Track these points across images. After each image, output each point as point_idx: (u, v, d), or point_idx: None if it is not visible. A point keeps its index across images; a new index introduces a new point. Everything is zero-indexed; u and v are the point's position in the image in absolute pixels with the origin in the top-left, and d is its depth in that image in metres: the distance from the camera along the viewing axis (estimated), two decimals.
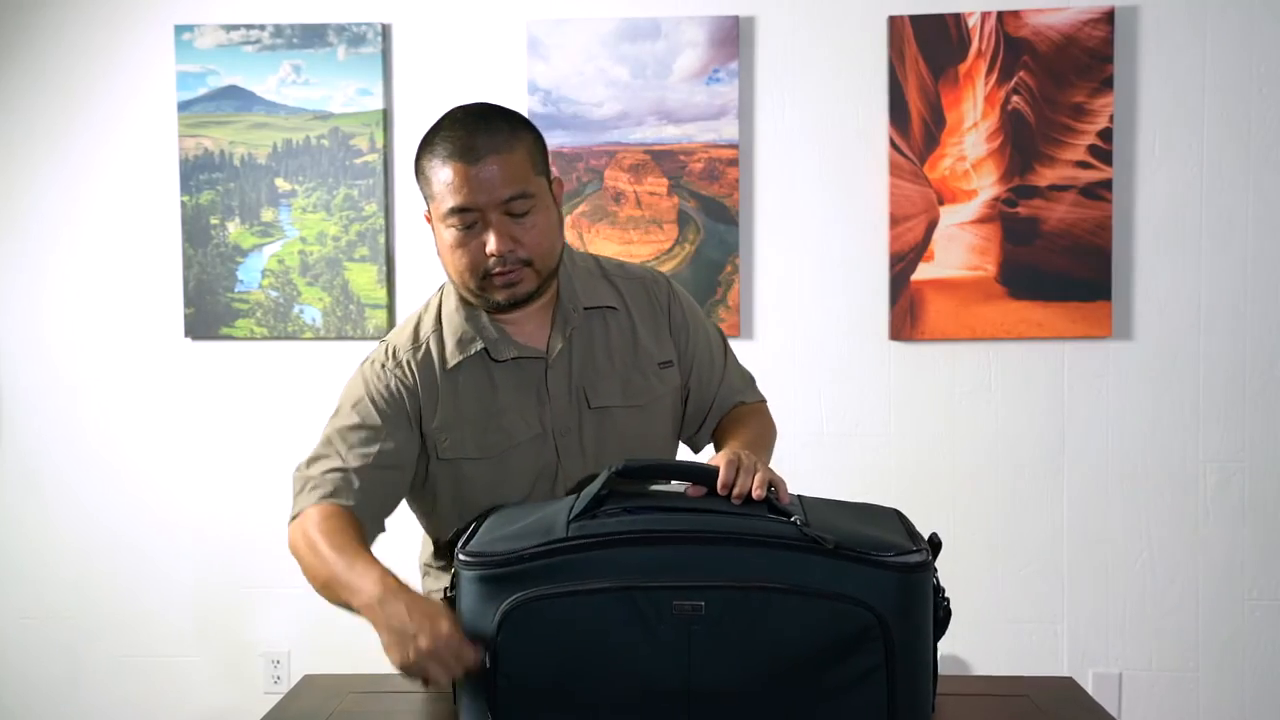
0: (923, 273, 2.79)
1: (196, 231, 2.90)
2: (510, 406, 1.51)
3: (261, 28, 2.86)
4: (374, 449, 1.48)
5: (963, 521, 2.81)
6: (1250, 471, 2.78)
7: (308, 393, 2.92)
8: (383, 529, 1.53)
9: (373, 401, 1.51)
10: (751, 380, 1.70)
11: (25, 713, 2.99)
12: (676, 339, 1.61)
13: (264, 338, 2.91)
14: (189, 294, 2.90)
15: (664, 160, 2.82)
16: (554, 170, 1.53)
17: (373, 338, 2.88)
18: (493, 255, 1.41)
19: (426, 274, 2.89)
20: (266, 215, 2.89)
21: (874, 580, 1.17)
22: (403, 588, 1.28)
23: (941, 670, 1.25)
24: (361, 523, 1.46)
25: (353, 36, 2.85)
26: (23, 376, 2.97)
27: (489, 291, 1.45)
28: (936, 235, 2.78)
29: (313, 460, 1.52)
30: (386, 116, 2.87)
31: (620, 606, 1.16)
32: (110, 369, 2.95)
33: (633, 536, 1.19)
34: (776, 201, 2.83)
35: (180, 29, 2.87)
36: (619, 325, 1.57)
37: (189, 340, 2.93)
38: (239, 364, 2.93)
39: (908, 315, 2.79)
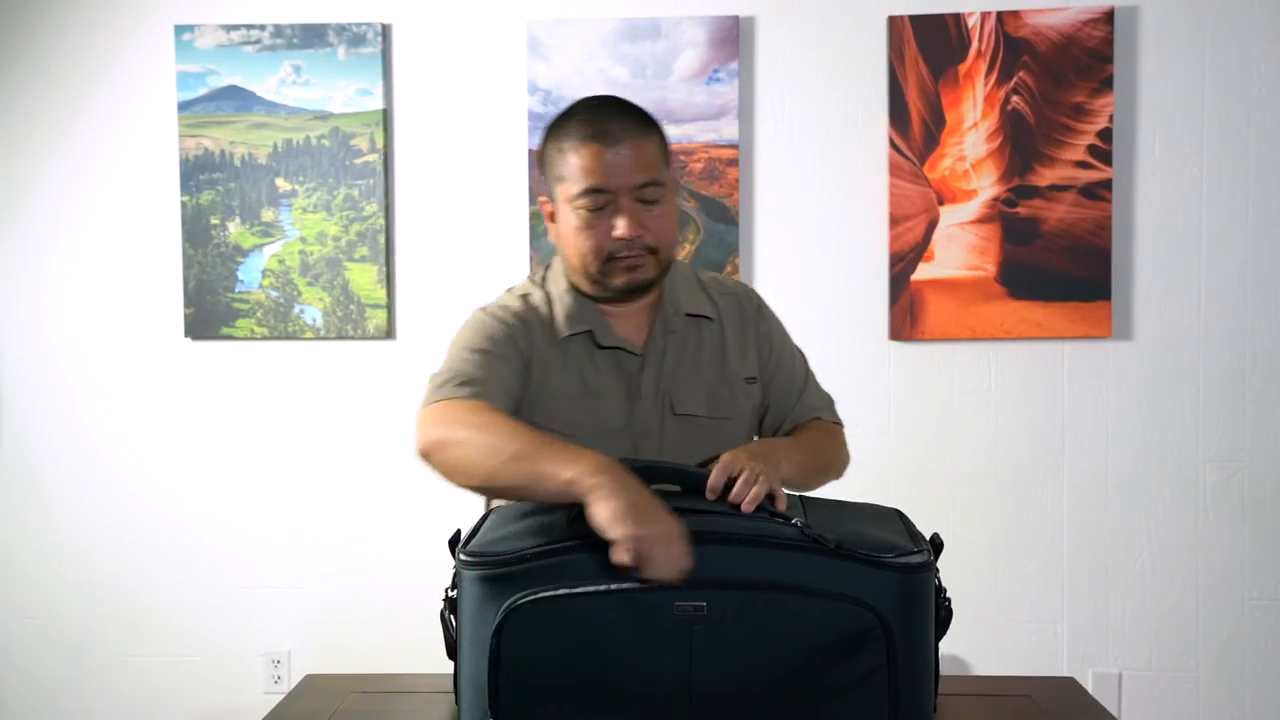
0: (923, 273, 2.79)
1: (196, 231, 2.90)
2: (604, 393, 1.52)
3: (261, 28, 2.86)
4: (504, 374, 1.47)
5: (963, 521, 2.81)
6: (1250, 471, 2.78)
7: (308, 393, 2.93)
8: None
9: (498, 332, 1.50)
10: (830, 403, 1.69)
11: (27, 711, 2.99)
12: (761, 352, 1.62)
13: (264, 338, 2.91)
14: (189, 294, 2.90)
15: None
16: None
17: (373, 337, 2.88)
18: (621, 239, 1.44)
19: (427, 274, 2.89)
20: (267, 215, 2.89)
21: (875, 581, 1.17)
22: (626, 468, 1.24)
23: (941, 670, 1.26)
24: None
25: (353, 36, 2.85)
26: (24, 376, 2.97)
27: (610, 276, 1.47)
28: (936, 235, 2.79)
29: (448, 370, 1.47)
30: (386, 116, 2.87)
31: (622, 607, 1.16)
32: (110, 369, 2.95)
33: None
34: (776, 201, 2.83)
35: (180, 29, 2.87)
36: (711, 336, 1.58)
37: (189, 340, 2.93)
38: (239, 364, 2.93)
39: (908, 315, 2.79)
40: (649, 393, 1.53)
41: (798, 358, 1.67)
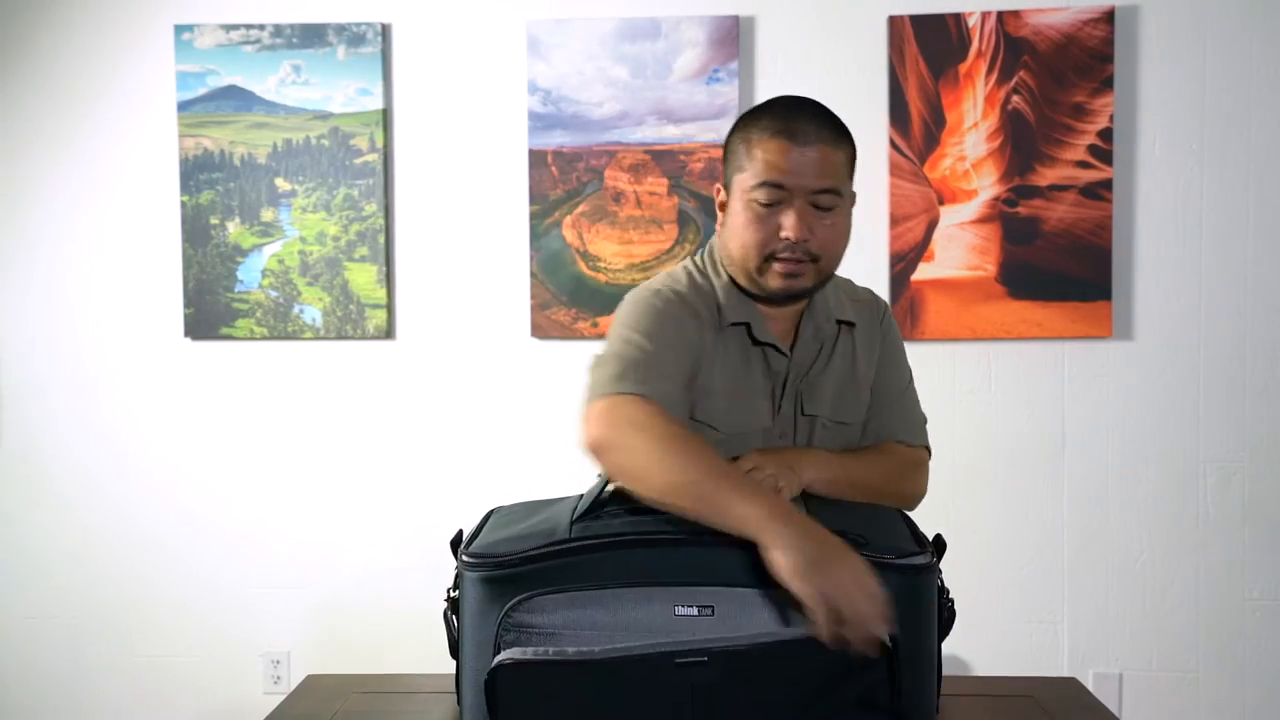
0: (923, 273, 2.79)
1: (196, 231, 2.90)
2: (753, 391, 1.50)
3: (261, 28, 2.86)
4: (675, 368, 1.43)
5: (963, 521, 2.81)
6: (1250, 471, 2.78)
7: (308, 393, 2.93)
8: None
9: (673, 320, 1.45)
10: (919, 425, 1.63)
11: (26, 712, 2.99)
12: (880, 358, 1.60)
13: (264, 338, 2.91)
14: (189, 294, 2.90)
15: (664, 160, 2.82)
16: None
17: (373, 337, 2.88)
18: (786, 238, 1.41)
19: (426, 274, 2.89)
20: (266, 215, 2.89)
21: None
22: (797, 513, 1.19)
23: (943, 670, 1.25)
24: None
25: (353, 36, 2.85)
26: (24, 376, 2.97)
27: (766, 275, 1.44)
28: (936, 235, 2.78)
29: (619, 359, 1.39)
30: (386, 116, 2.87)
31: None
32: (110, 369, 2.95)
33: (635, 539, 1.19)
34: None
35: (180, 29, 2.87)
36: (847, 342, 1.57)
37: (189, 340, 2.93)
38: (239, 364, 2.93)
39: (908, 315, 2.79)
40: (789, 392, 1.52)
41: (901, 375, 1.63)
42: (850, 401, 1.55)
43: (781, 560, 1.13)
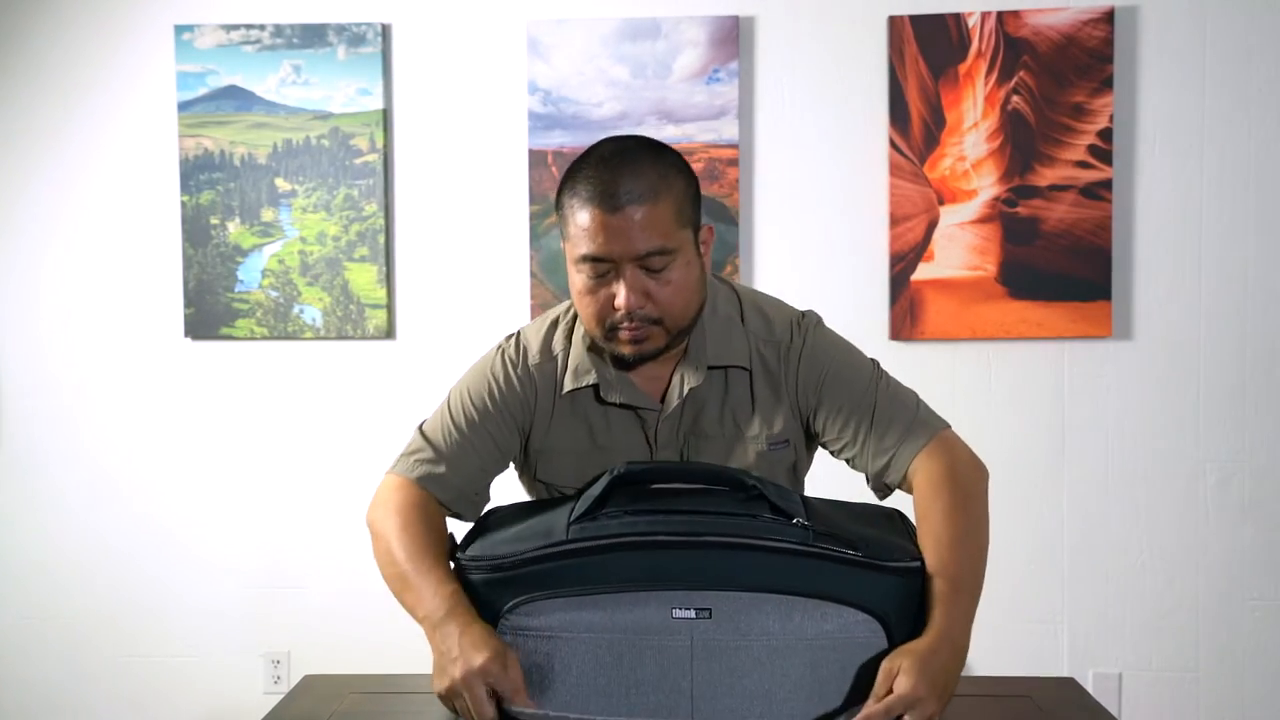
0: (923, 273, 2.79)
1: (196, 231, 2.90)
2: (616, 446, 1.45)
3: (261, 28, 2.86)
4: (478, 438, 1.44)
5: None
6: (1250, 471, 2.78)
7: (308, 393, 2.93)
8: (487, 499, 1.47)
9: (492, 395, 1.46)
10: (916, 409, 1.45)
11: (25, 713, 2.99)
12: (802, 405, 1.45)
13: (264, 338, 2.91)
14: (189, 294, 2.90)
15: None
16: (705, 220, 1.40)
17: (373, 337, 2.88)
18: (620, 310, 1.32)
19: (426, 274, 2.89)
20: (266, 215, 2.89)
21: (876, 584, 1.17)
22: (460, 609, 1.22)
23: None
24: (455, 510, 1.44)
25: (353, 36, 2.85)
26: (23, 377, 2.97)
27: (614, 344, 1.36)
28: (936, 235, 2.78)
29: (428, 427, 1.46)
30: (386, 116, 2.87)
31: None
32: (110, 369, 2.95)
33: (633, 540, 1.19)
34: (776, 201, 2.83)
35: (180, 29, 2.87)
36: (740, 388, 1.44)
37: (189, 340, 2.93)
38: (239, 364, 2.93)
39: (908, 315, 2.79)
40: (668, 442, 1.44)
41: (857, 378, 1.45)
42: (741, 459, 1.44)
43: (432, 658, 1.23)
